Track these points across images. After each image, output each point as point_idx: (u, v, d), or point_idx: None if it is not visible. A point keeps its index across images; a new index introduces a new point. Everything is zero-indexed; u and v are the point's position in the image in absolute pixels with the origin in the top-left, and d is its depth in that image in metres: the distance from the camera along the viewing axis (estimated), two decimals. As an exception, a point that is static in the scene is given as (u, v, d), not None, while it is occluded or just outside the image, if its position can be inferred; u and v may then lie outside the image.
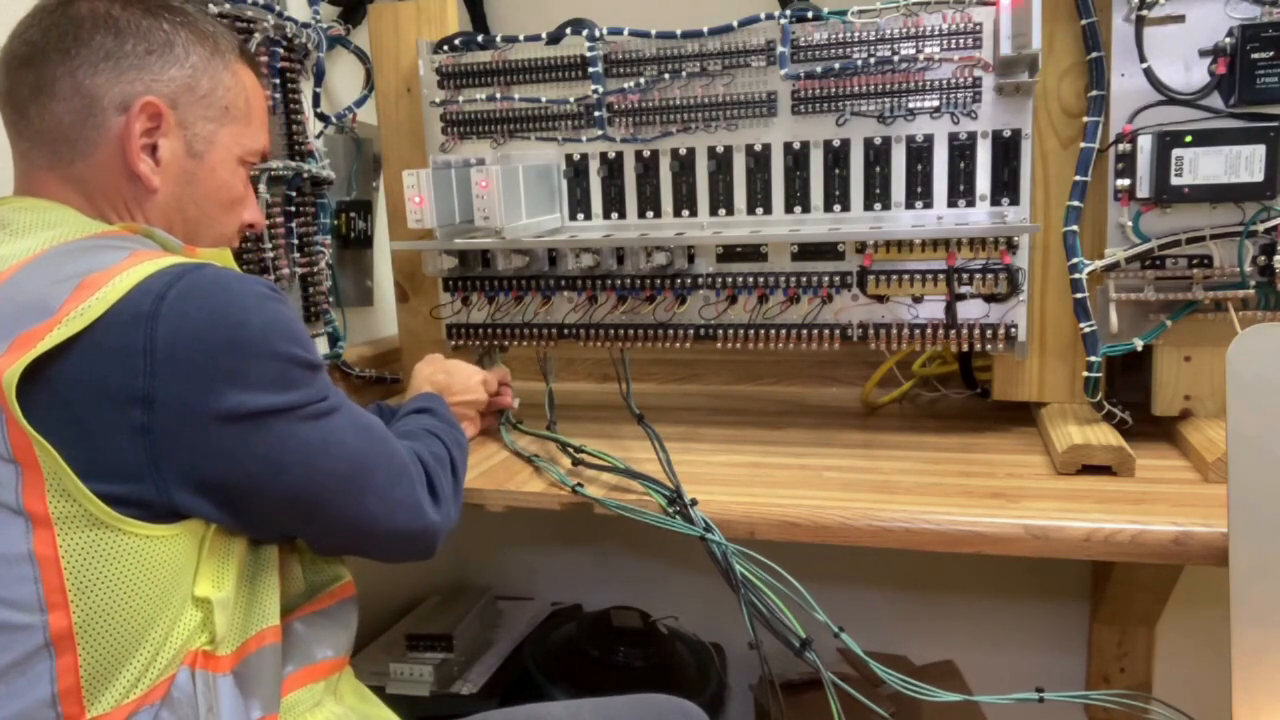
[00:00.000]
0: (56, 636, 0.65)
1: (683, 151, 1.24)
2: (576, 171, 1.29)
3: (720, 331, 1.24)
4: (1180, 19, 1.05)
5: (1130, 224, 1.09)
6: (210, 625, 0.73)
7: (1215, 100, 1.05)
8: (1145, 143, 1.06)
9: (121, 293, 0.67)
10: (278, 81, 1.26)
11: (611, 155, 1.27)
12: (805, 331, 1.20)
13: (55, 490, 0.65)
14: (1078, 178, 1.10)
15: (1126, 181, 1.08)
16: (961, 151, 1.15)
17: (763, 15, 1.18)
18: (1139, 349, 1.11)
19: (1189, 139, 1.04)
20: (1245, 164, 1.03)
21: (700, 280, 1.23)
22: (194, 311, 0.68)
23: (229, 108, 0.85)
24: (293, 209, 1.31)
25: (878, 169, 1.17)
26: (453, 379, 1.21)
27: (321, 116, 1.41)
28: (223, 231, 0.88)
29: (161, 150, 0.80)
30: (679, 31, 1.20)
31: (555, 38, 1.26)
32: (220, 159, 0.85)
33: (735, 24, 1.18)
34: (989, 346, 1.16)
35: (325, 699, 0.85)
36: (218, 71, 0.84)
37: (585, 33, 1.23)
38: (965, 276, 1.14)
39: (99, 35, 0.78)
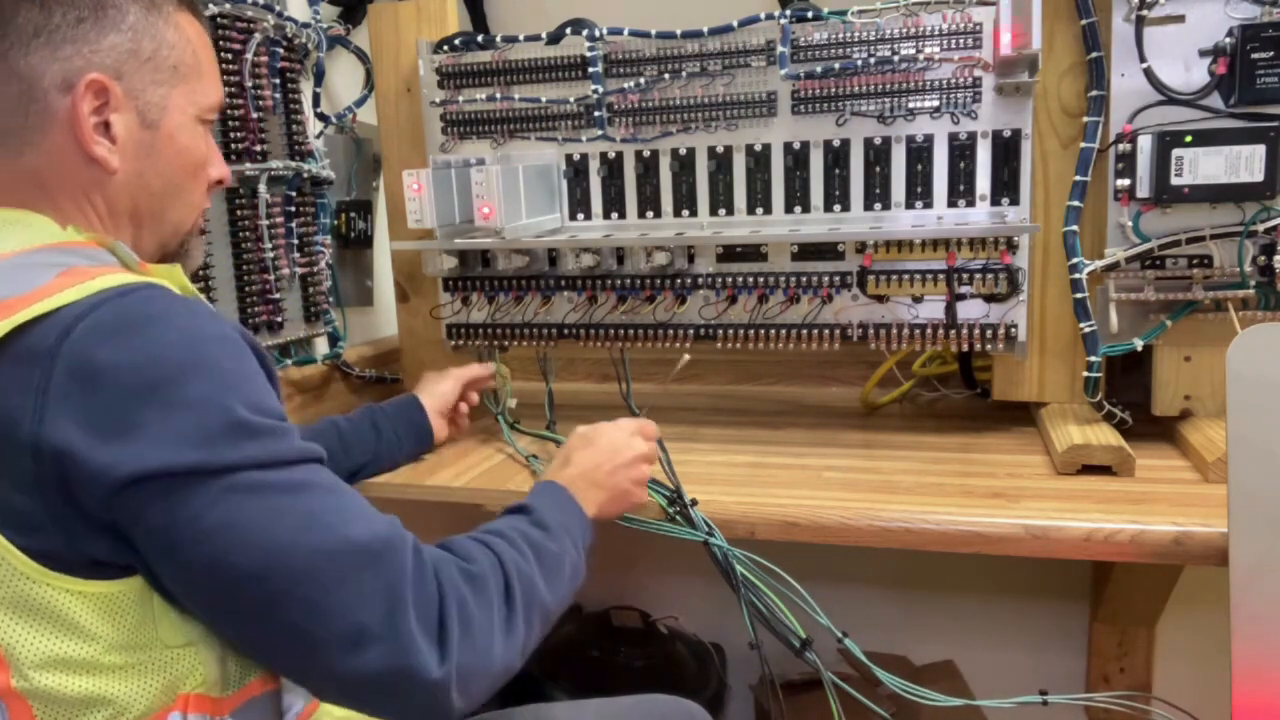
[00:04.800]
0: (2, 693, 0.60)
1: (683, 151, 1.24)
2: (576, 171, 1.29)
3: (720, 331, 1.23)
4: (1180, 19, 1.05)
5: (1130, 224, 1.09)
6: (201, 667, 0.66)
7: (1215, 100, 1.05)
8: (1145, 143, 1.06)
9: (28, 319, 0.59)
10: (278, 81, 1.26)
11: (611, 155, 1.27)
12: (805, 331, 1.20)
13: None
14: (1078, 178, 1.10)
15: (1126, 181, 1.08)
16: (961, 151, 1.15)
17: (763, 15, 1.17)
18: (1139, 349, 1.11)
19: (1189, 139, 1.04)
20: (1245, 164, 1.03)
21: (700, 280, 1.23)
22: (98, 348, 0.59)
23: (177, 66, 0.77)
24: (293, 209, 1.31)
25: (878, 169, 1.17)
26: (596, 447, 0.98)
27: (321, 116, 1.41)
28: (191, 199, 0.82)
29: (115, 127, 0.73)
30: (679, 31, 1.20)
31: (555, 38, 1.26)
32: (178, 123, 0.77)
33: (735, 24, 1.18)
34: (989, 346, 1.16)
35: None
36: (159, 29, 0.76)
37: (585, 33, 1.23)
38: (965, 276, 1.14)
39: (23, 10, 0.71)
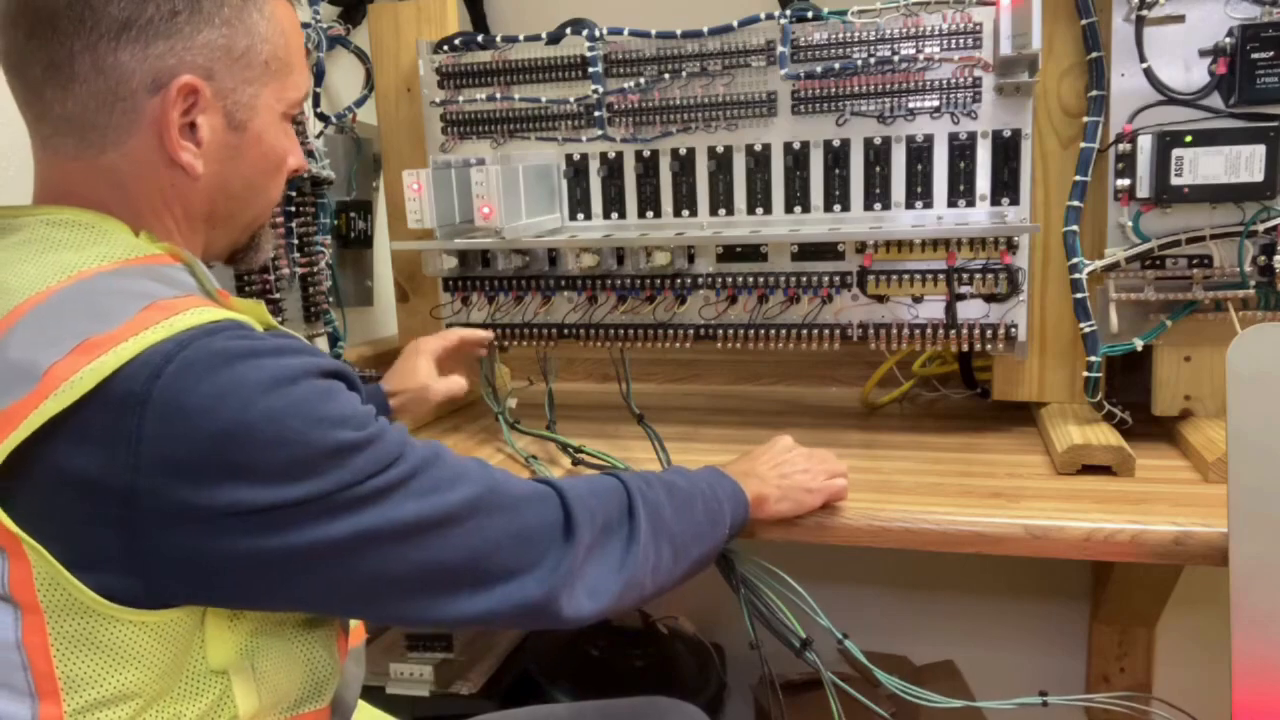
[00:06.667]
0: None
1: (683, 151, 1.24)
2: (576, 171, 1.29)
3: (720, 331, 1.23)
4: (1180, 19, 1.05)
5: (1130, 224, 1.09)
6: (230, 703, 0.65)
7: (1215, 100, 1.05)
8: (1145, 143, 1.06)
9: (118, 364, 0.58)
10: (278, 81, 1.26)
11: (611, 155, 1.27)
12: (805, 331, 1.20)
13: (43, 578, 0.59)
14: (1078, 178, 1.10)
15: (1126, 181, 1.08)
16: (961, 151, 1.15)
17: (763, 15, 1.18)
18: (1139, 349, 1.11)
19: (1189, 139, 1.04)
20: (1245, 164, 1.03)
21: (700, 280, 1.23)
22: (188, 394, 0.58)
23: (269, 62, 0.72)
24: (293, 209, 1.31)
25: (878, 169, 1.17)
26: (774, 450, 0.99)
27: (321, 116, 1.41)
28: (270, 197, 0.79)
29: (201, 129, 0.69)
30: (679, 31, 1.20)
31: (555, 38, 1.26)
32: (265, 123, 0.74)
33: (735, 24, 1.18)
34: (989, 346, 1.16)
35: None
36: (252, 20, 0.71)
37: (585, 33, 1.23)
38: (965, 276, 1.14)
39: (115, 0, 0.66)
